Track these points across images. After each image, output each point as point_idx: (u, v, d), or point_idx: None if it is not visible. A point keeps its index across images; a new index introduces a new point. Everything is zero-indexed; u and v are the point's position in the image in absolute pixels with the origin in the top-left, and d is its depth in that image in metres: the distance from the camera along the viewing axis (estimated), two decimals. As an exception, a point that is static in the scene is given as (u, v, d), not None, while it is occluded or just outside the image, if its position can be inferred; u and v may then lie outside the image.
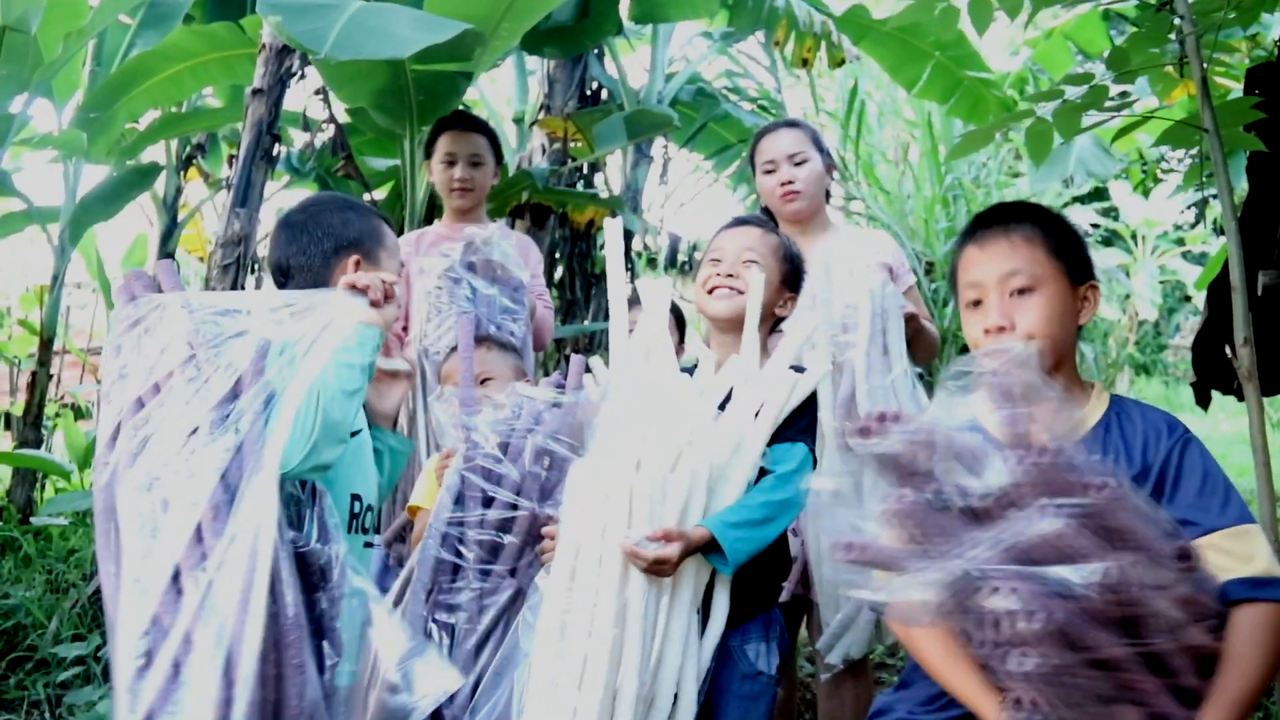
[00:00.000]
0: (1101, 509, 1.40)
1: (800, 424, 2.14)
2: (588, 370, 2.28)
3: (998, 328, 1.77)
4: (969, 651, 1.50)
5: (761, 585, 2.12)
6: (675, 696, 1.92)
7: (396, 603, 2.18)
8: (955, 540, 1.41)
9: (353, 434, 1.95)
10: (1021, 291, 1.78)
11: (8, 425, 5.70)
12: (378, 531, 2.12)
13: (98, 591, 4.06)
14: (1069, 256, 1.83)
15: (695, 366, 2.24)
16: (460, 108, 4.35)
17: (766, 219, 2.49)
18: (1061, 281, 1.80)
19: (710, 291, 2.33)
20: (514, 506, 2.11)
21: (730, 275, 2.31)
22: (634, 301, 2.62)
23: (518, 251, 3.46)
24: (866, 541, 1.50)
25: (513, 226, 5.02)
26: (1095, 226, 13.07)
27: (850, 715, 2.76)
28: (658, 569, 1.87)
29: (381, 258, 2.07)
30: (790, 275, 2.42)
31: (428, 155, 3.56)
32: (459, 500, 2.14)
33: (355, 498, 1.97)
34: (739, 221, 2.50)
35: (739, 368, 2.16)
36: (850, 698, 2.75)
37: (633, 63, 6.47)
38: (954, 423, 1.54)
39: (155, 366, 1.66)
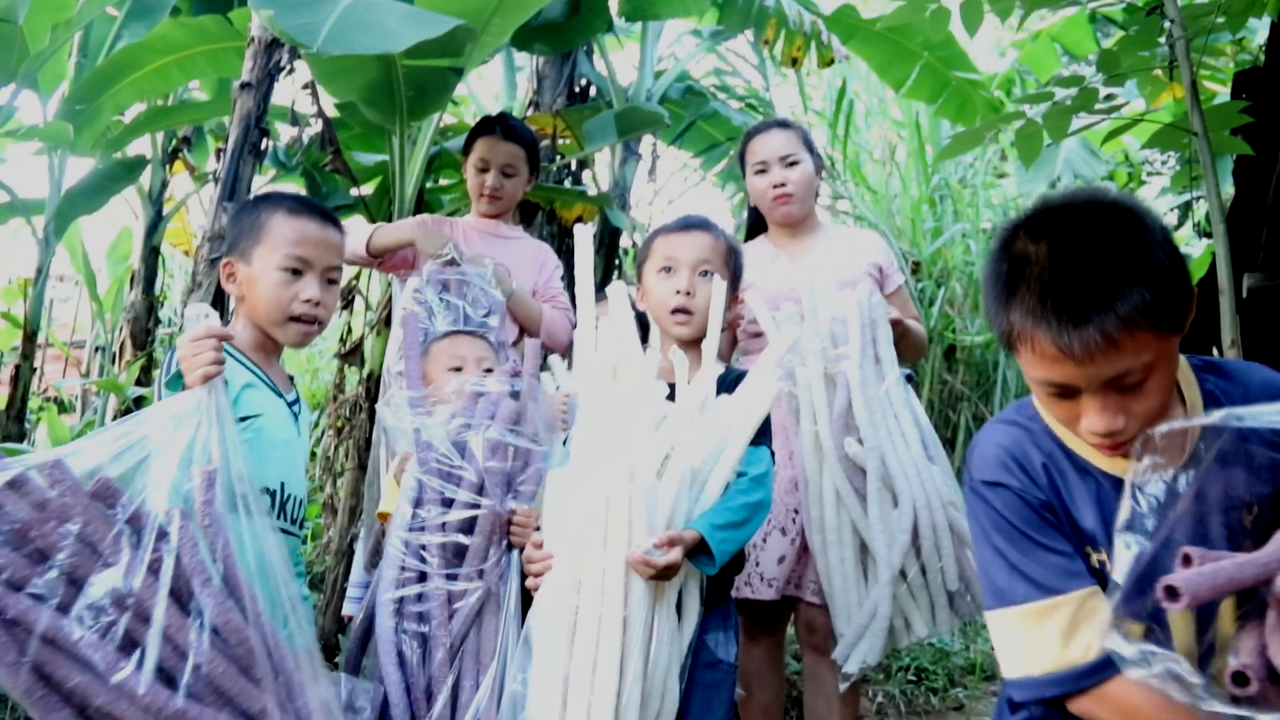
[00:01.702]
0: None
1: (761, 427, 2.16)
2: (544, 364, 2.27)
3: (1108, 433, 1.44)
4: None
5: (719, 579, 2.15)
6: (662, 695, 1.93)
7: (367, 616, 2.17)
8: None
9: (244, 419, 1.96)
10: (1131, 386, 1.42)
11: (-10, 418, 5.66)
12: (294, 521, 2.08)
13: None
14: (1172, 311, 1.40)
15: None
16: (451, 102, 4.33)
17: (707, 219, 2.49)
18: (1170, 343, 1.44)
19: (670, 312, 2.36)
20: (475, 505, 2.10)
21: (689, 294, 2.34)
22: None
23: (533, 258, 3.46)
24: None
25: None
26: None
27: (833, 702, 2.78)
28: (665, 574, 1.89)
29: (257, 253, 2.09)
30: (735, 277, 2.46)
31: (464, 154, 3.54)
32: (418, 505, 2.13)
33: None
34: (687, 225, 2.46)
35: (704, 375, 2.16)
36: (833, 684, 2.76)
37: (622, 60, 6.48)
38: None
39: None
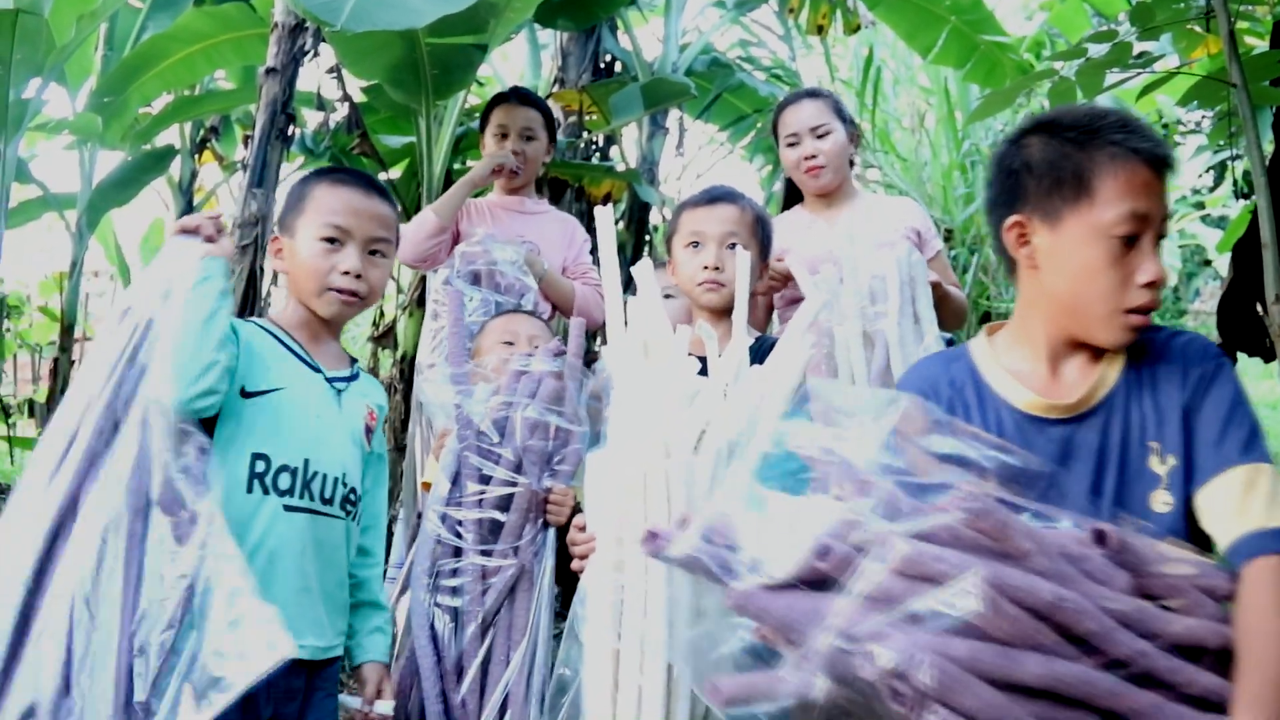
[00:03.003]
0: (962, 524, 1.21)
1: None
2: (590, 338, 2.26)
3: None
4: None
5: None
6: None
7: (402, 589, 2.17)
8: (812, 615, 1.20)
9: (264, 392, 1.96)
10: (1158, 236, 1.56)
11: (32, 412, 5.74)
12: (329, 501, 2.02)
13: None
14: None
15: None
16: (476, 82, 4.32)
17: (733, 190, 2.47)
18: None
19: (699, 284, 2.36)
20: (512, 484, 2.09)
21: (717, 269, 2.33)
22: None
23: (560, 232, 3.45)
24: (751, 591, 1.27)
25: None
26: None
27: None
28: None
29: (299, 225, 2.06)
30: (764, 247, 2.44)
31: (481, 129, 3.54)
32: (456, 481, 2.12)
33: (259, 457, 1.92)
34: (712, 198, 2.45)
35: (735, 347, 2.13)
36: None
37: (646, 34, 6.42)
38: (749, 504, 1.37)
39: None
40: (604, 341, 2.78)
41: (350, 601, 2.09)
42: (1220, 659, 1.29)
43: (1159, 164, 1.50)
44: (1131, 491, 1.51)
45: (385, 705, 2.03)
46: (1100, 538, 1.27)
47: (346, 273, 2.03)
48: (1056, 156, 1.54)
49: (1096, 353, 1.59)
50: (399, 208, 2.23)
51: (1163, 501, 1.49)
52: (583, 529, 1.99)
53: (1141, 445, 1.51)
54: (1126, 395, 1.55)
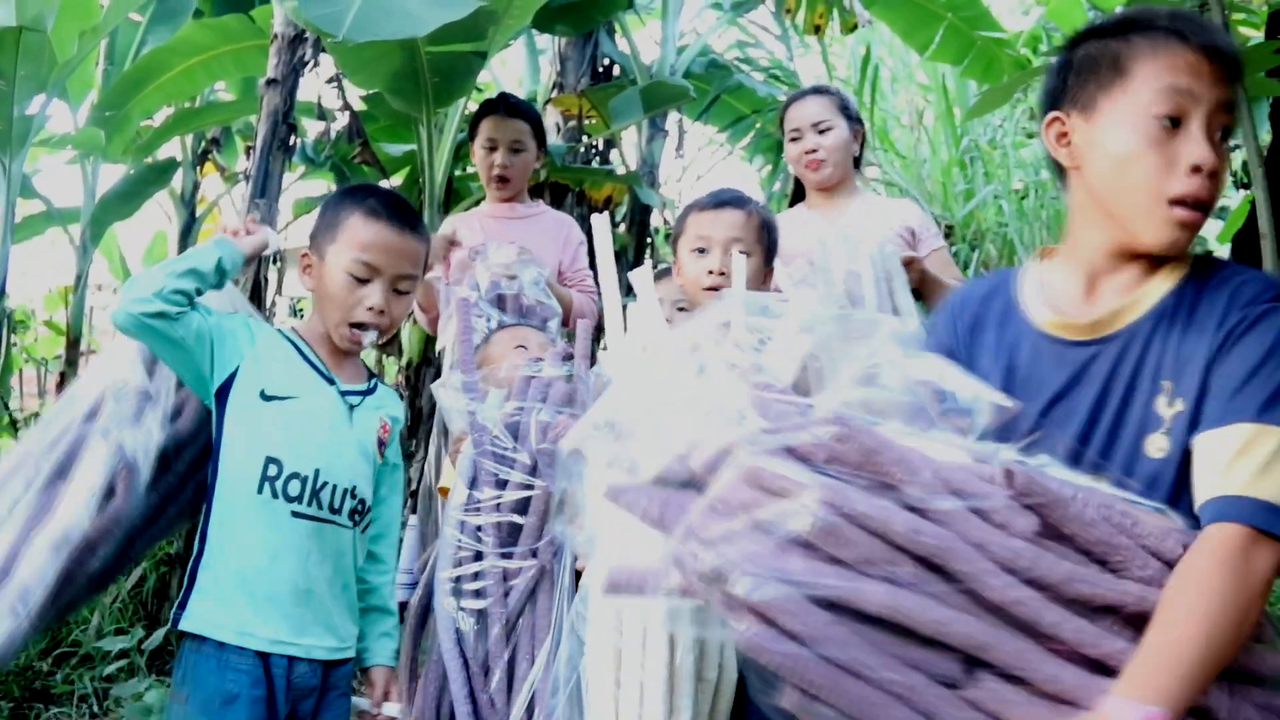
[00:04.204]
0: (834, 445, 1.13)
1: None
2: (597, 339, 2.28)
3: None
4: None
5: None
6: (719, 666, 1.94)
7: (426, 595, 2.20)
8: (682, 514, 1.17)
9: (280, 398, 2.00)
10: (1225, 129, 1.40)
11: (38, 426, 5.74)
12: (337, 511, 2.06)
13: (138, 585, 4.11)
14: None
15: None
16: (476, 89, 4.35)
17: (740, 195, 2.49)
18: None
19: (705, 289, 2.37)
20: (529, 487, 2.12)
21: (722, 274, 2.34)
22: (663, 274, 2.63)
23: (554, 234, 3.45)
24: (631, 485, 1.26)
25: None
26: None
27: None
28: None
29: (329, 251, 2.07)
30: (769, 251, 2.45)
31: (470, 139, 3.54)
32: (473, 486, 2.14)
33: (272, 460, 1.96)
34: (719, 202, 2.46)
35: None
36: None
37: (644, 38, 6.45)
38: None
39: None
40: (605, 346, 2.80)
41: (360, 606, 2.12)
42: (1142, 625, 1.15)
43: (1211, 51, 1.34)
44: (1126, 430, 1.37)
45: (392, 708, 2.06)
46: (1009, 477, 1.15)
47: (370, 309, 2.05)
48: (1097, 49, 1.42)
49: (1146, 271, 1.42)
50: (428, 235, 2.24)
51: (1157, 447, 1.34)
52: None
53: (1153, 381, 1.35)
54: (1156, 323, 1.38)
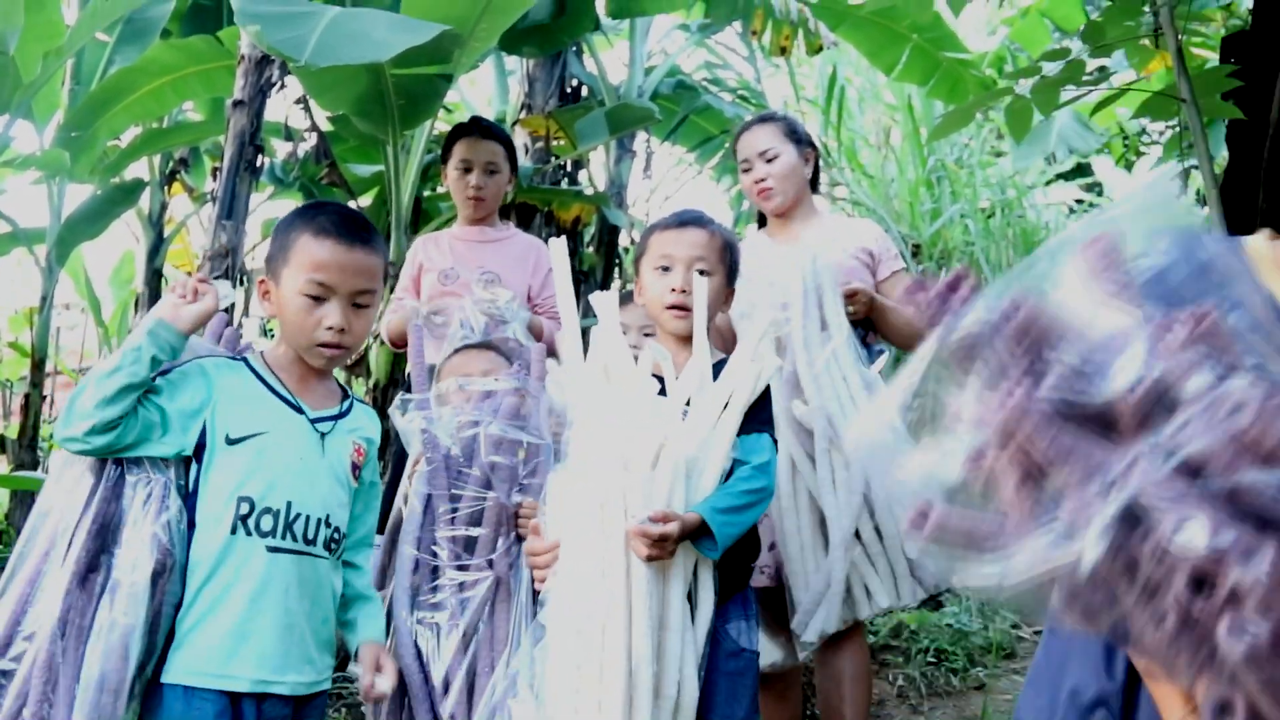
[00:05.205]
0: None
1: (762, 415, 2.18)
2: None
3: None
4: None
5: (736, 567, 2.17)
6: (679, 683, 1.95)
7: (387, 608, 2.21)
8: (1094, 466, 0.82)
9: (247, 438, 1.98)
10: None
11: (3, 448, 5.69)
12: (311, 542, 2.02)
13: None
14: None
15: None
16: (444, 109, 4.36)
17: (703, 215, 2.50)
18: None
19: (667, 307, 2.35)
20: (481, 498, 2.16)
21: (684, 292, 2.32)
22: (625, 299, 2.63)
23: (524, 258, 3.43)
24: (944, 510, 0.87)
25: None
26: (1079, 203, 13.12)
27: (845, 684, 2.79)
28: (659, 548, 1.91)
29: (284, 275, 2.03)
30: (731, 272, 2.46)
31: (443, 161, 3.53)
32: (428, 502, 2.18)
33: (244, 499, 1.94)
34: (681, 222, 2.46)
35: (695, 368, 2.18)
36: (845, 666, 2.77)
37: (612, 59, 6.48)
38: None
39: None
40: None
41: (343, 594, 2.11)
42: None
43: None
44: None
45: (385, 681, 2.04)
46: None
47: (330, 328, 2.00)
48: None
49: None
50: (384, 247, 2.22)
51: None
52: (538, 533, 2.05)
53: None
54: None
